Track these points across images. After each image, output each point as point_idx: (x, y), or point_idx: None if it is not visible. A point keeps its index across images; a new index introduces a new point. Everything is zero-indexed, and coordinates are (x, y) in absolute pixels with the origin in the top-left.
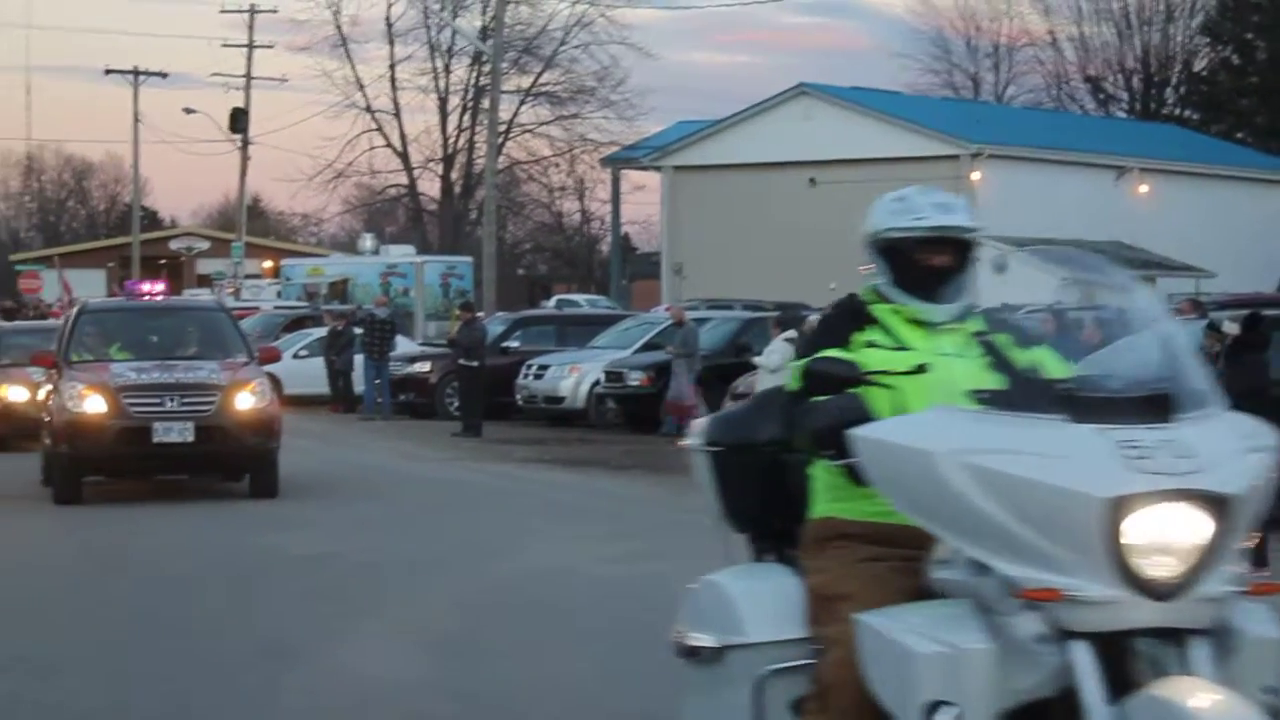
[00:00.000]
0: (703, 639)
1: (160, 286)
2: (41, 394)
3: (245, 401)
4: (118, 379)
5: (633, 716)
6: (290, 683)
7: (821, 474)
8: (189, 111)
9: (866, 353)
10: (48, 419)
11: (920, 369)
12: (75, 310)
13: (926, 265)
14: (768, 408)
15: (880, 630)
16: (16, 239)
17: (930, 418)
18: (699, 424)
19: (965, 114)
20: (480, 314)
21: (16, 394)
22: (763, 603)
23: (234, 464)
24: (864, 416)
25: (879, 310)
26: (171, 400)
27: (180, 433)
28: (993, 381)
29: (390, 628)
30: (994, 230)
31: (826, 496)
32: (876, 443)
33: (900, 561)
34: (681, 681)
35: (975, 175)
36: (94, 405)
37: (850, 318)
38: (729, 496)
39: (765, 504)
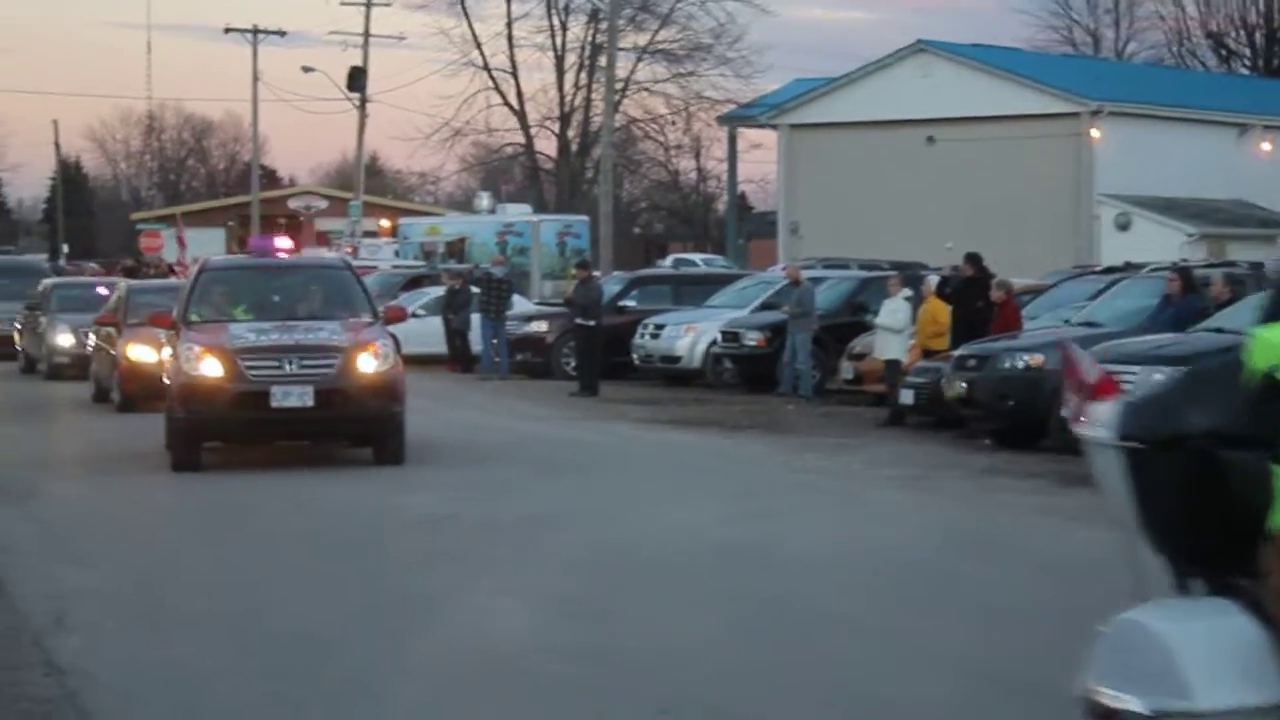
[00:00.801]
0: (1128, 701)
1: (288, 243)
2: (144, 354)
3: (367, 364)
4: (235, 341)
5: (752, 677)
6: (411, 644)
7: None
8: (307, 70)
9: None
10: (167, 382)
11: None
12: (196, 269)
13: None
14: (1204, 391)
15: None
16: (138, 198)
17: None
18: (1108, 410)
19: (1085, 71)
20: (597, 273)
21: (144, 354)
22: (1212, 653)
23: (356, 429)
24: None
25: None
26: (290, 363)
27: (299, 397)
28: None
29: (510, 589)
30: (1114, 188)
31: None
32: None
33: None
34: None
35: (1095, 133)
36: (210, 368)
37: None
38: (1149, 506)
39: (1197, 516)
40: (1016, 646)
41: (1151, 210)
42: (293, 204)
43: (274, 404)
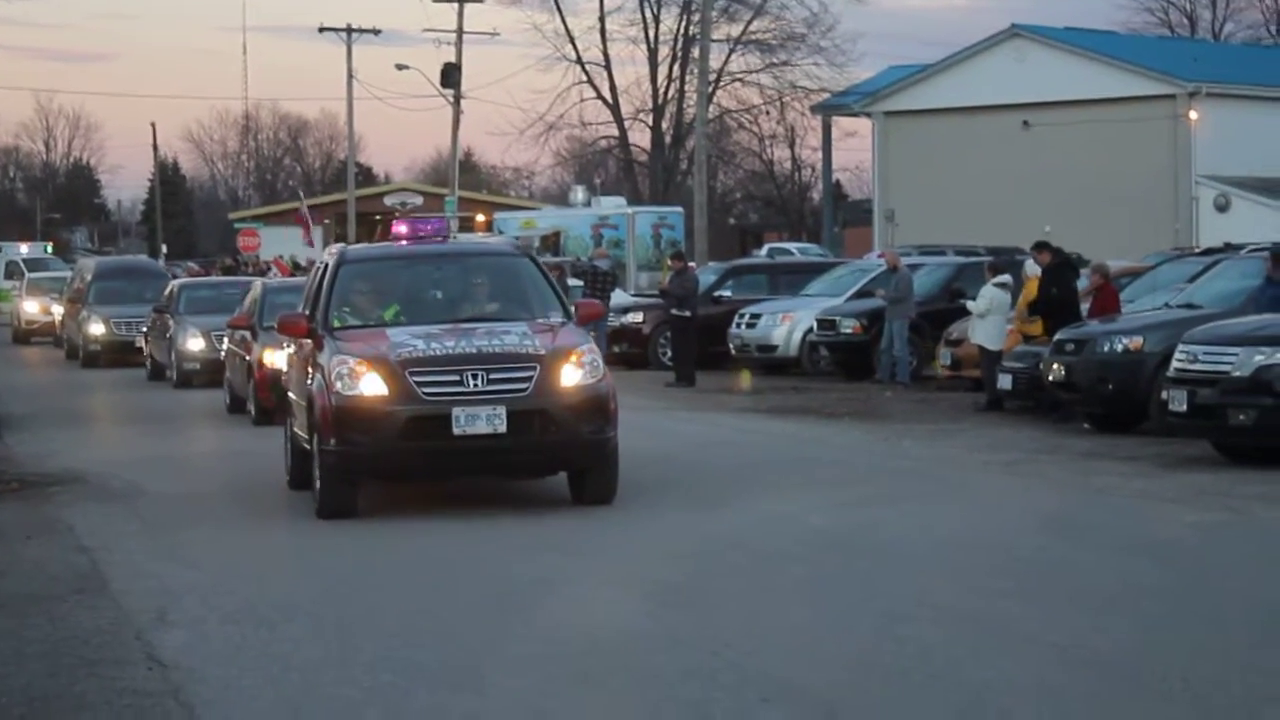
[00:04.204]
0: None
1: (437, 225)
2: (281, 361)
3: (571, 376)
4: (400, 350)
5: (852, 665)
6: (514, 632)
7: None
8: (401, 68)
9: None
10: (302, 404)
11: None
12: (333, 261)
13: None
14: None
15: None
16: (235, 198)
17: None
18: None
19: (1181, 52)
20: (692, 264)
21: (282, 360)
22: None
23: (558, 460)
24: None
25: None
26: (475, 378)
27: (489, 421)
28: None
29: (611, 577)
30: (1212, 169)
31: None
32: None
33: None
34: None
35: (1192, 114)
36: (371, 386)
37: None
38: None
39: None
40: (1116, 631)
41: (1250, 191)
42: (389, 201)
43: (455, 431)
